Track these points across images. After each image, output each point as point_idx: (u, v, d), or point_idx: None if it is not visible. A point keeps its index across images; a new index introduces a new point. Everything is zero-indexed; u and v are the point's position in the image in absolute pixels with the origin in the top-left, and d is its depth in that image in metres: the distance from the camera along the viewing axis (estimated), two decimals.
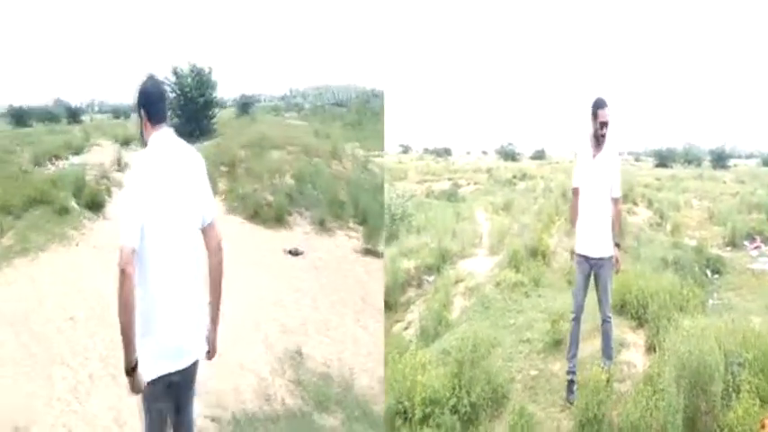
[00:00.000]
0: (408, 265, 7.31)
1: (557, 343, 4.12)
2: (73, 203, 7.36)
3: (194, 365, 1.99)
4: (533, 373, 3.83)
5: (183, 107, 12.64)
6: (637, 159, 20.35)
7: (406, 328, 5.73)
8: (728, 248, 7.33)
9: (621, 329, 4.33)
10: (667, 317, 4.11)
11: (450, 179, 17.59)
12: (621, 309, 4.63)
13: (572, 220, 3.71)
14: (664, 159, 17.36)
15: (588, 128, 3.40)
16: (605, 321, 3.52)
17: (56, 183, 7.94)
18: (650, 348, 3.95)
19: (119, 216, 1.88)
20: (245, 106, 16.79)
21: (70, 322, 4.54)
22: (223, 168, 9.87)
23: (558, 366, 3.86)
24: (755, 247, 7.17)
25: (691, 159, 16.82)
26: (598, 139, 3.36)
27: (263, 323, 4.82)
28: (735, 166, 16.41)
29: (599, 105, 3.32)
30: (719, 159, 16.07)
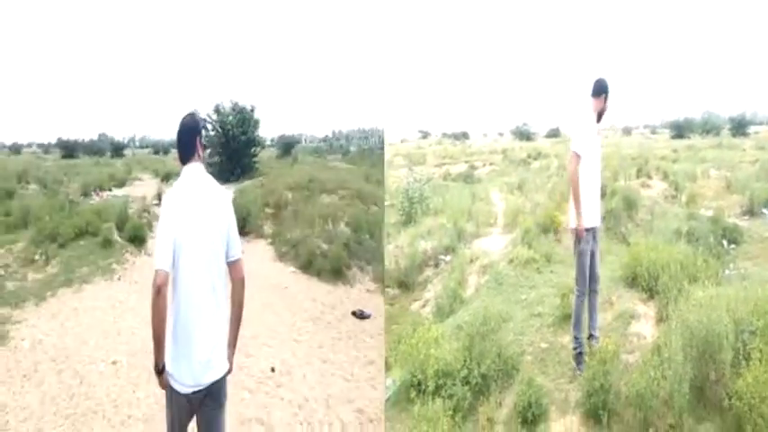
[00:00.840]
0: (425, 245, 7.28)
1: (566, 317, 4.03)
2: (116, 236, 7.14)
3: (219, 382, 2.00)
4: (543, 345, 3.78)
5: (225, 145, 12.03)
6: (653, 132, 19.32)
7: (423, 306, 5.75)
8: (746, 217, 6.91)
9: (632, 302, 4.21)
10: (678, 288, 3.96)
11: (466, 161, 17.28)
12: (633, 281, 4.50)
13: (575, 190, 3.32)
14: (681, 130, 16.31)
15: (589, 103, 3.46)
16: (597, 292, 3.54)
17: (100, 214, 7.65)
18: (660, 320, 3.82)
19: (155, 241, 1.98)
20: (286, 146, 15.61)
21: (112, 367, 4.12)
22: (268, 210, 8.99)
23: (568, 339, 3.78)
24: None
25: (710, 129, 15.72)
26: (600, 116, 3.47)
27: (338, 407, 3.72)
28: (756, 133, 15.31)
29: (607, 89, 3.42)
30: (739, 126, 14.96)
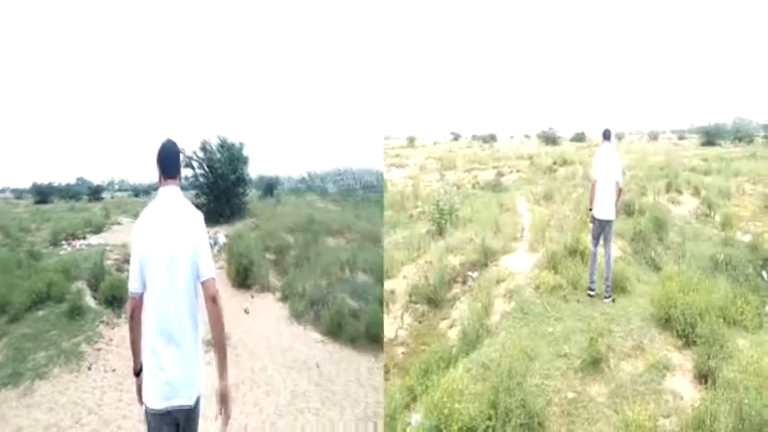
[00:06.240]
0: (454, 261, 6.80)
1: (595, 362, 3.50)
2: (88, 299, 5.07)
3: (190, 410, 1.77)
4: (570, 395, 3.27)
5: (213, 184, 9.85)
6: (681, 137, 17.28)
7: (450, 327, 5.33)
8: None
9: (666, 348, 3.58)
10: (720, 342, 3.30)
11: (495, 167, 16.35)
12: (666, 323, 3.84)
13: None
14: (711, 137, 14.47)
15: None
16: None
17: (69, 271, 5.46)
18: (700, 374, 3.19)
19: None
20: (267, 186, 13.61)
21: None
22: (269, 256, 7.25)
23: (596, 390, 3.27)
24: None
25: (741, 136, 13.78)
26: None
27: None
28: None
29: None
30: None
